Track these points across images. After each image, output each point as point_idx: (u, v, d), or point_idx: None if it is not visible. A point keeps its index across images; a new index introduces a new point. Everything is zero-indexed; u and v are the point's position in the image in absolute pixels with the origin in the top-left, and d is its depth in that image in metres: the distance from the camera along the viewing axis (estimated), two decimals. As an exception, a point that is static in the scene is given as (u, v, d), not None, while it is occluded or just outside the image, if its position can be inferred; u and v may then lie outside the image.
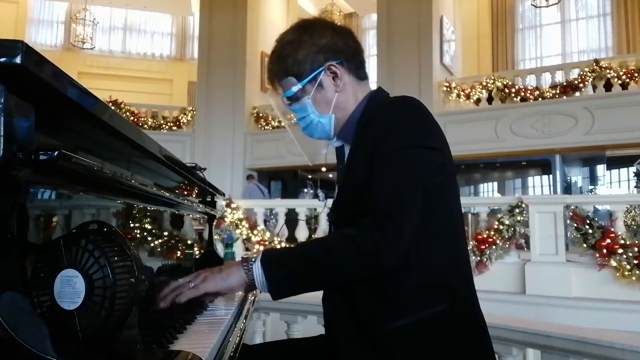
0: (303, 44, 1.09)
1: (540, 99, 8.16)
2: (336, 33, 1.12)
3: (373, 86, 1.20)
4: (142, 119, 10.50)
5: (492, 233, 4.96)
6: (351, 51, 1.13)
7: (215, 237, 2.00)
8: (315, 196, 11.49)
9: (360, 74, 1.14)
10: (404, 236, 0.91)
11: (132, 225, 1.06)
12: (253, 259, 0.95)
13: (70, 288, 0.60)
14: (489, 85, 8.60)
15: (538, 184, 11.15)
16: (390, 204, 0.93)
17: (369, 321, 0.98)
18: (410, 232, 0.92)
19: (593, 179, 10.89)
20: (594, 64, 7.88)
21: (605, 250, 4.43)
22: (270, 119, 10.46)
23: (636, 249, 4.34)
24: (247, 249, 6.20)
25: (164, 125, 10.70)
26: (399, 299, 0.98)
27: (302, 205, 6.46)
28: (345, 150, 1.16)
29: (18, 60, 0.52)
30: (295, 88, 1.10)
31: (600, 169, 10.59)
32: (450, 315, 0.99)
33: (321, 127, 1.12)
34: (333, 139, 1.17)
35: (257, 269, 0.94)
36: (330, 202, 1.26)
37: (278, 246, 5.93)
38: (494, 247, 4.93)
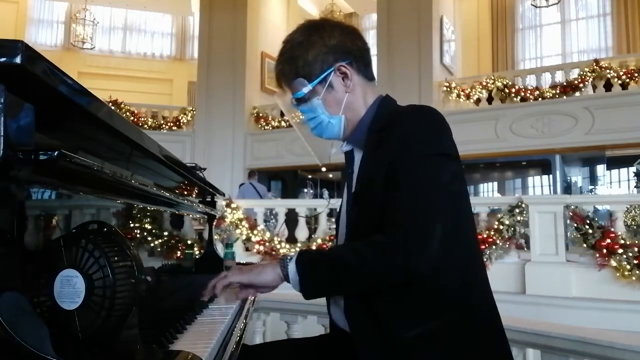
0: (313, 45, 1.09)
1: (540, 99, 8.16)
2: (344, 33, 1.12)
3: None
4: (142, 119, 10.49)
5: (492, 233, 4.96)
6: (359, 51, 1.13)
7: (215, 237, 2.00)
8: (318, 196, 11.48)
9: (368, 74, 1.15)
10: (432, 244, 0.92)
11: (132, 225, 1.06)
12: (289, 258, 0.98)
13: (70, 288, 0.60)
14: (489, 85, 8.59)
15: (538, 184, 11.14)
16: (418, 213, 0.93)
17: (390, 328, 0.98)
18: (438, 240, 0.92)
19: (593, 179, 10.88)
20: (594, 64, 7.88)
21: (605, 250, 4.42)
22: (270, 119, 10.45)
23: (636, 249, 4.34)
24: (247, 249, 6.20)
25: (164, 125, 10.69)
26: (419, 305, 0.98)
27: (302, 205, 6.45)
28: (355, 156, 1.15)
29: (18, 60, 0.52)
30: (306, 89, 1.09)
31: (600, 169, 10.57)
32: (469, 321, 1.00)
33: (331, 127, 1.12)
34: (343, 143, 1.17)
35: (291, 267, 0.97)
36: (333, 201, 1.27)
37: (278, 246, 5.92)
38: (494, 247, 4.93)
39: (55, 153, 0.58)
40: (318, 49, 1.09)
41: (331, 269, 0.97)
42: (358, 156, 1.13)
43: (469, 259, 1.04)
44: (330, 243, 5.47)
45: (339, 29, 1.12)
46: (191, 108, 11.10)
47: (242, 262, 1.80)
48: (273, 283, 1.00)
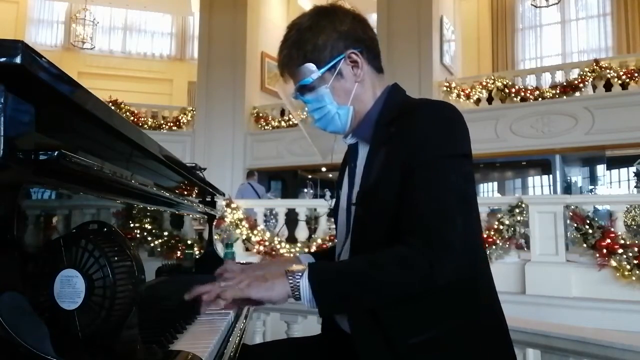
0: (323, 30, 1.02)
1: (540, 99, 8.16)
2: (356, 20, 1.06)
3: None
4: (142, 119, 10.49)
5: (492, 233, 4.96)
6: (370, 40, 1.07)
7: (215, 237, 2.00)
8: (318, 196, 11.47)
9: (377, 65, 1.09)
10: (455, 251, 0.88)
11: (132, 225, 1.06)
12: (300, 274, 0.89)
13: (70, 288, 0.60)
14: (489, 85, 8.59)
15: (538, 184, 11.15)
16: (439, 220, 0.89)
17: (394, 335, 0.94)
18: (460, 245, 0.89)
19: (593, 179, 10.89)
20: (594, 64, 7.88)
21: (605, 250, 4.42)
22: (270, 119, 10.46)
23: (636, 249, 4.34)
24: (247, 249, 6.20)
25: (164, 125, 10.69)
26: (424, 311, 0.95)
27: (302, 205, 6.45)
28: (360, 150, 1.09)
29: (18, 60, 0.52)
30: (315, 75, 1.02)
31: (600, 169, 10.58)
32: (476, 324, 0.98)
33: (338, 119, 1.05)
34: (348, 136, 1.11)
35: (304, 284, 0.88)
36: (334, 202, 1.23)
37: (278, 246, 5.92)
38: (494, 247, 4.93)
39: (55, 153, 0.58)
40: (328, 34, 1.02)
41: (348, 284, 0.90)
42: (363, 151, 1.07)
43: (476, 259, 1.01)
44: (330, 243, 5.47)
45: (351, 16, 1.06)
46: (191, 108, 11.10)
47: (241, 262, 1.79)
48: (280, 302, 0.91)
